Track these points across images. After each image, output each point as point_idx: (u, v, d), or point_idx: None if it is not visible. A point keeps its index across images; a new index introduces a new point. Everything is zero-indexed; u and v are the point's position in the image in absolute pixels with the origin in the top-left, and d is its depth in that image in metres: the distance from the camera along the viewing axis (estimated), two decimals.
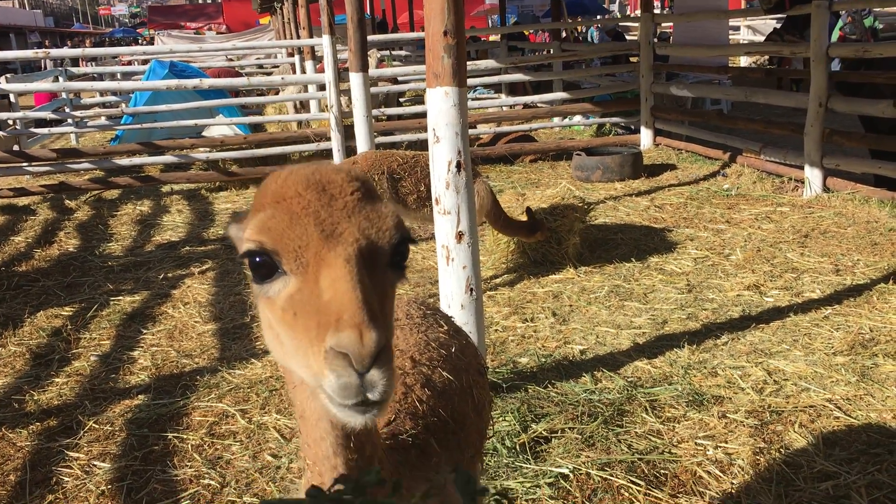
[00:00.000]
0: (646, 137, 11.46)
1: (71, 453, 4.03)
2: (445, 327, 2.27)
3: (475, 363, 2.28)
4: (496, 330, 5.34)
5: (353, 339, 1.04)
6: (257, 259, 1.17)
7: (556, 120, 13.53)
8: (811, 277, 5.93)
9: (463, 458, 1.96)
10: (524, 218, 6.38)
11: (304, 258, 1.14)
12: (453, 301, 4.13)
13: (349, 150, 9.99)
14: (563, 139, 12.48)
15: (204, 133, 12.35)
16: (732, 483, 3.46)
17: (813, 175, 8.25)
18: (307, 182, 1.20)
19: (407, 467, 1.70)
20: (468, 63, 11.73)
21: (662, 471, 3.58)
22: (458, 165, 3.97)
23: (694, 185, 9.30)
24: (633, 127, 12.12)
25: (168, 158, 10.81)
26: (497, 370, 4.62)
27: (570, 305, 5.74)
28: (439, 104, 3.89)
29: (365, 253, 1.14)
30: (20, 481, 3.78)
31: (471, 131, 12.25)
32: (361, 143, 8.36)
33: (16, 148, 11.77)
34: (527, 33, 21.52)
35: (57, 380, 4.97)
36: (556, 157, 11.58)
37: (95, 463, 3.94)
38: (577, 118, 12.86)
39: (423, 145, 10.54)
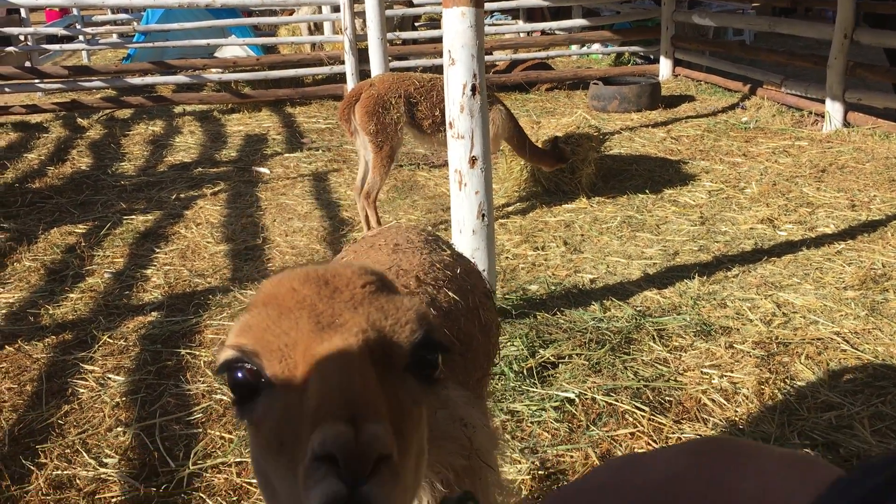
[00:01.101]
0: (665, 67, 11.23)
1: (86, 366, 4.11)
2: (448, 251, 2.25)
3: (481, 285, 2.26)
4: (507, 257, 5.34)
5: (336, 429, 0.73)
6: (238, 374, 0.88)
7: (574, 48, 13.26)
8: (826, 212, 5.88)
9: (470, 379, 1.96)
10: (547, 147, 6.33)
11: (291, 359, 0.85)
12: (465, 226, 4.12)
13: (363, 74, 9.86)
14: (580, 68, 12.25)
15: (216, 54, 12.19)
16: (736, 411, 3.50)
17: (834, 109, 8.10)
18: (306, 276, 0.96)
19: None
20: None
21: (667, 398, 3.62)
22: (473, 89, 3.91)
23: (712, 117, 9.15)
24: (652, 56, 11.87)
25: (180, 78, 10.70)
26: (507, 297, 4.64)
27: (582, 235, 5.72)
28: (455, 25, 3.81)
29: (374, 348, 0.86)
30: (37, 391, 3.86)
31: (486, 58, 12.04)
32: (375, 67, 8.23)
33: (28, 64, 11.67)
34: None
35: (71, 295, 5.03)
36: (573, 86, 11.40)
37: (110, 376, 4.01)
38: (596, 46, 12.59)
39: (438, 71, 10.39)
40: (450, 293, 2.02)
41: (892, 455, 0.47)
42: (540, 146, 6.38)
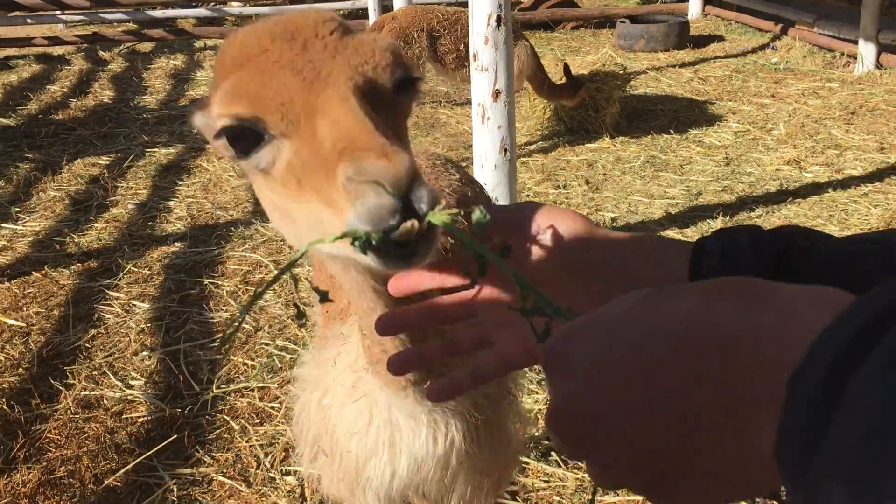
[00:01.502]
0: (695, 6, 10.97)
1: (111, 293, 4.18)
2: (458, 175, 2.23)
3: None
4: (528, 195, 5.32)
5: (380, 163, 0.82)
6: (234, 135, 0.97)
7: None
8: (854, 154, 5.78)
9: None
10: (563, 81, 6.23)
11: (291, 114, 0.93)
12: (486, 161, 4.10)
13: (385, 9, 9.70)
14: (607, 6, 12.00)
15: None
16: None
17: (867, 50, 7.89)
18: (270, 34, 0.98)
19: None
20: None
21: None
22: (499, 20, 3.84)
23: (741, 57, 8.96)
24: None
25: (201, 11, 10.62)
26: None
27: (604, 174, 5.68)
28: None
29: (363, 89, 0.93)
30: (64, 316, 3.94)
31: None
32: (398, 0, 8.10)
33: None
34: None
35: (96, 225, 5.09)
36: (599, 24, 11.17)
37: (135, 303, 4.08)
38: None
39: (462, 5, 10.20)
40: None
41: None
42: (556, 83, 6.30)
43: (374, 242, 0.84)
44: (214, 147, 1.01)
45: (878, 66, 7.85)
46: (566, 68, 6.18)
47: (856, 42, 8.07)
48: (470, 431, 1.56)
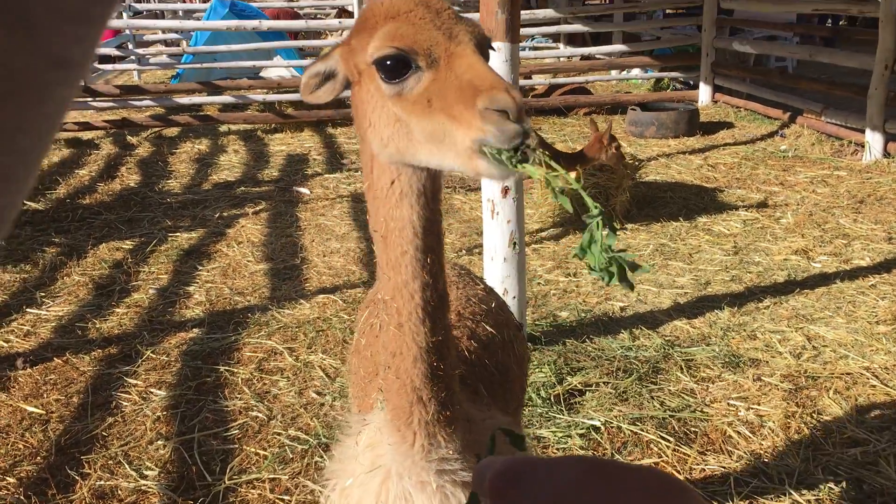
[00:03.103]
0: (704, 94, 11.25)
1: (130, 380, 4.28)
2: (481, 285, 2.36)
3: (512, 319, 2.37)
4: (538, 283, 5.43)
5: (508, 98, 1.20)
6: (388, 62, 1.32)
7: (614, 73, 13.33)
8: (862, 244, 5.86)
9: (509, 408, 2.05)
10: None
11: (435, 54, 1.30)
12: (496, 254, 4.22)
13: None
14: (619, 92, 12.31)
15: (262, 74, 12.49)
16: (761, 444, 3.54)
17: (874, 139, 8.05)
18: (415, 1, 1.38)
19: (471, 404, 1.79)
20: (526, 12, 11.60)
21: (693, 429, 3.67)
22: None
23: (750, 144, 9.15)
24: (692, 82, 11.89)
25: (226, 98, 11.00)
26: (537, 323, 4.72)
27: None
28: (491, 59, 3.92)
29: (476, 48, 1.34)
30: (83, 403, 4.04)
31: (526, 82, 12.17)
32: None
33: (81, 83, 12.06)
34: None
35: (117, 310, 5.23)
36: (611, 110, 11.45)
37: (152, 390, 4.18)
38: (636, 71, 12.65)
39: None
40: (487, 327, 2.13)
41: None
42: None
43: (496, 154, 1.23)
44: (354, 75, 1.42)
45: (886, 154, 8.00)
46: (592, 122, 6.49)
47: (863, 131, 8.24)
48: None
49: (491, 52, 1.45)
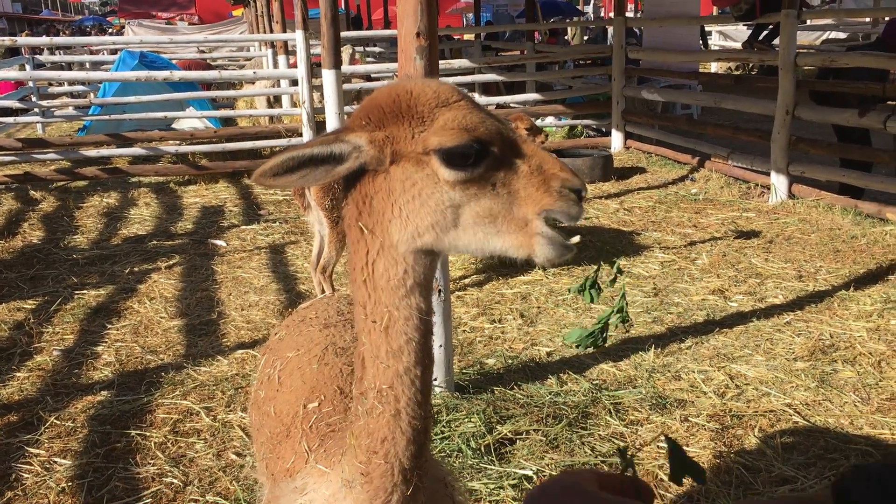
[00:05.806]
0: (617, 140, 11.55)
1: (31, 449, 3.98)
2: None
3: None
4: (464, 331, 5.36)
5: (580, 182, 1.41)
6: (457, 150, 1.35)
7: None
8: (774, 283, 6.02)
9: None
10: None
11: (499, 144, 1.39)
12: None
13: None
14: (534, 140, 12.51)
15: (174, 125, 12.21)
16: (693, 486, 3.51)
17: (779, 181, 8.38)
18: (451, 89, 1.44)
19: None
20: (442, 62, 11.73)
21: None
22: None
23: (663, 188, 9.40)
24: (604, 129, 12.21)
25: (136, 150, 10.67)
26: (464, 371, 4.64)
27: (538, 307, 5.77)
28: None
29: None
30: None
31: None
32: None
33: None
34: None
35: (18, 374, 4.90)
36: None
37: (56, 459, 3.89)
38: (550, 119, 12.91)
39: None
40: None
41: None
42: None
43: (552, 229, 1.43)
44: (397, 164, 1.41)
45: (791, 195, 8.32)
46: None
47: (768, 174, 8.57)
48: None
49: None
